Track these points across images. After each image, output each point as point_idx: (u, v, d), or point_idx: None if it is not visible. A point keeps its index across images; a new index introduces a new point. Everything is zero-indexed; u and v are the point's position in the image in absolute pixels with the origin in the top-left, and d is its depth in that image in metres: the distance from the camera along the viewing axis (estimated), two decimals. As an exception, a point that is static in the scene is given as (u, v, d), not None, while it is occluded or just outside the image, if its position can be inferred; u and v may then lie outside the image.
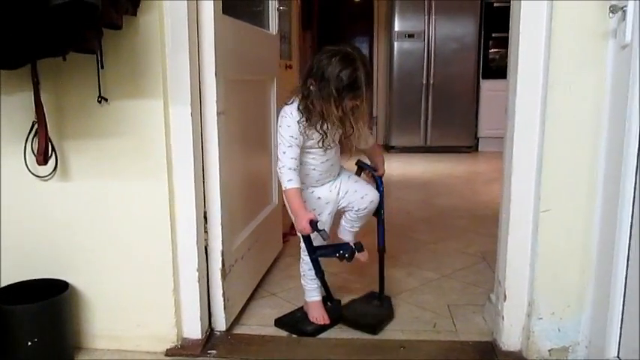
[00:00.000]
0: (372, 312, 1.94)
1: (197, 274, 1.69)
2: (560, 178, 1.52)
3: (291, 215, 1.76)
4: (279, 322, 1.90)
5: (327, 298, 1.95)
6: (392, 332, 1.85)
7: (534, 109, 1.53)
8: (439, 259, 2.58)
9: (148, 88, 1.58)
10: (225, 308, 1.80)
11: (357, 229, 1.93)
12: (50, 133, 1.57)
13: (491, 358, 1.66)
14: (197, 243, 1.68)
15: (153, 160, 1.61)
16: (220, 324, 1.81)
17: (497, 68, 5.81)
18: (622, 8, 1.31)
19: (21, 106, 1.58)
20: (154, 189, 1.63)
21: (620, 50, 1.37)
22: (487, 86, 5.97)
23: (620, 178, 1.34)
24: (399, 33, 5.93)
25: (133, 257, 1.67)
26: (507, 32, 1.64)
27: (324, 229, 1.68)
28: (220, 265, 1.77)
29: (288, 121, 1.68)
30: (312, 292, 1.90)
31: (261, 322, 1.92)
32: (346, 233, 1.93)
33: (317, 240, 1.77)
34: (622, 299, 1.37)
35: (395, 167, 5.16)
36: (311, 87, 1.63)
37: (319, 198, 1.81)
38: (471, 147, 6.17)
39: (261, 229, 2.23)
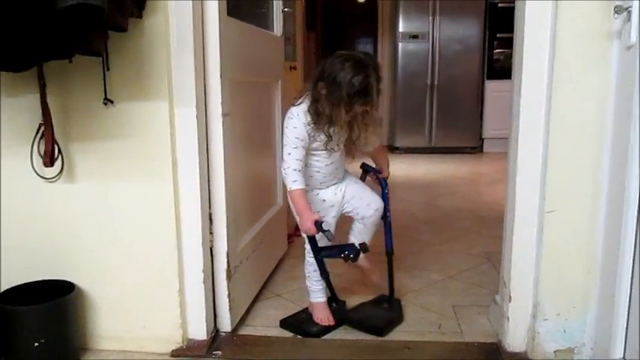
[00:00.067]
0: (379, 314, 1.93)
1: (202, 275, 1.70)
2: (565, 179, 1.52)
3: (295, 216, 1.76)
4: (284, 323, 1.90)
5: (332, 300, 1.95)
6: (397, 333, 1.84)
7: (539, 110, 1.53)
8: (443, 260, 2.57)
9: (153, 89, 1.58)
10: (230, 309, 1.80)
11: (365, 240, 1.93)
12: (56, 135, 1.58)
13: (496, 359, 1.66)
14: (202, 244, 1.69)
15: (158, 162, 1.62)
16: (225, 325, 1.81)
17: (502, 69, 5.79)
18: (627, 9, 1.31)
19: (28, 108, 1.59)
20: (159, 190, 1.64)
21: (625, 51, 1.37)
22: (492, 87, 5.96)
23: (625, 179, 1.34)
24: (403, 34, 5.93)
25: (139, 258, 1.68)
26: (512, 33, 1.64)
27: (328, 230, 1.68)
28: (225, 266, 1.77)
29: (295, 122, 1.69)
30: (317, 294, 1.91)
31: (266, 323, 1.93)
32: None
33: (322, 241, 1.77)
34: (627, 300, 1.36)
35: (399, 168, 5.16)
36: (321, 90, 1.64)
37: (324, 200, 1.82)
38: (475, 148, 6.15)
39: (266, 231, 2.24)
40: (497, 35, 5.88)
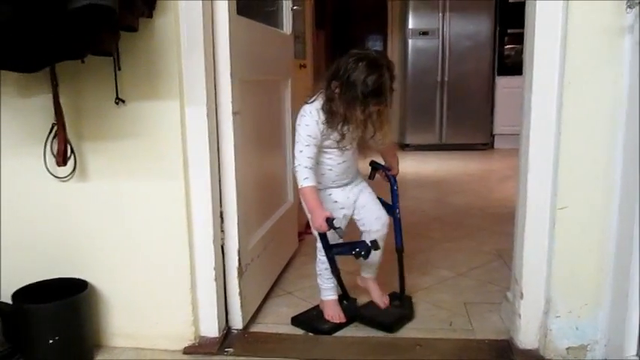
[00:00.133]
0: (389, 311, 1.93)
1: (214, 273, 1.71)
2: (577, 175, 1.51)
3: (307, 213, 1.77)
4: (295, 321, 1.91)
5: (343, 297, 1.95)
6: (408, 331, 1.84)
7: (550, 107, 1.52)
8: (454, 257, 2.57)
9: (164, 89, 1.59)
10: (241, 307, 1.81)
11: (374, 267, 1.95)
12: (69, 135, 1.60)
13: (508, 356, 1.66)
14: (214, 242, 1.70)
15: (169, 161, 1.63)
16: (237, 322, 1.82)
17: (513, 65, 5.75)
18: (639, 3, 1.30)
19: (41, 108, 1.61)
20: (170, 189, 1.65)
21: (637, 46, 1.35)
22: (502, 83, 5.92)
23: (638, 175, 1.33)
24: (413, 30, 5.90)
25: (151, 256, 1.69)
26: (523, 28, 1.62)
27: (340, 227, 1.68)
28: (237, 264, 1.78)
29: (307, 120, 1.69)
30: (328, 291, 1.91)
31: (277, 321, 1.94)
32: (366, 269, 1.97)
33: (333, 238, 1.77)
34: (641, 297, 1.36)
35: (409, 165, 5.14)
36: (335, 90, 1.64)
37: (336, 202, 1.82)
38: (486, 144, 6.12)
39: (277, 228, 2.24)
40: (508, 31, 5.84)
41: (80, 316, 1.64)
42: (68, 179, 1.66)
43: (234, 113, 1.72)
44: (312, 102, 1.72)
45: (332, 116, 1.66)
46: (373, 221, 1.84)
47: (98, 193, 1.68)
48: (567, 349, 1.59)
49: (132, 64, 1.58)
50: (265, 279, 2.12)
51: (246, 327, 1.85)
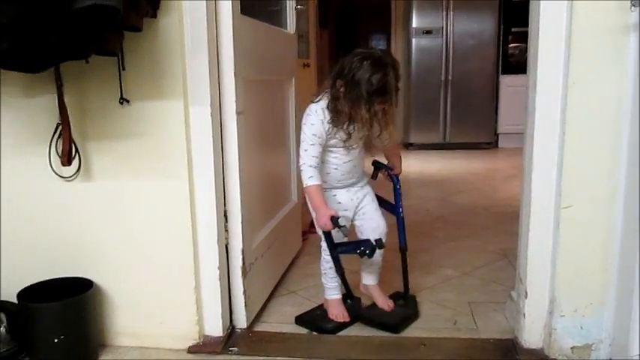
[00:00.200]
0: (394, 312, 1.93)
1: (218, 272, 1.71)
2: (582, 174, 1.50)
3: (311, 212, 1.77)
4: (299, 320, 1.91)
5: (347, 296, 1.95)
6: (412, 330, 1.84)
7: (555, 106, 1.51)
8: (459, 256, 2.56)
9: (168, 88, 1.60)
10: (245, 306, 1.81)
11: (375, 268, 1.94)
12: (73, 135, 1.60)
13: (512, 355, 1.65)
14: (218, 242, 1.70)
15: (173, 160, 1.64)
16: (241, 321, 1.83)
17: (517, 63, 5.74)
18: (644, 2, 1.30)
19: (46, 108, 1.62)
20: (174, 188, 1.65)
21: (642, 44, 1.35)
22: (507, 82, 5.91)
23: (643, 174, 1.33)
24: (416, 29, 5.89)
25: (155, 256, 1.70)
26: (527, 26, 1.62)
27: (344, 225, 1.68)
28: (241, 264, 1.78)
29: (313, 119, 1.69)
30: (332, 290, 1.91)
31: (281, 320, 1.94)
32: (367, 277, 1.97)
33: (337, 237, 1.77)
34: (646, 296, 1.35)
35: (413, 164, 5.14)
36: (340, 89, 1.64)
37: (339, 203, 1.81)
38: (490, 143, 6.11)
39: (281, 228, 2.25)
40: (512, 29, 5.83)
41: (85, 315, 1.65)
42: (73, 179, 1.67)
43: (238, 113, 1.72)
44: (317, 101, 1.72)
45: (337, 115, 1.66)
46: (370, 232, 1.84)
47: (102, 193, 1.68)
48: (572, 348, 1.59)
49: (136, 64, 1.58)
50: (269, 278, 2.12)
51: (250, 326, 1.86)
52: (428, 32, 5.88)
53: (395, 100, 1.64)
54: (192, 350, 1.71)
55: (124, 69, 1.56)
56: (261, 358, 1.69)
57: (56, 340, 1.57)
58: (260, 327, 1.89)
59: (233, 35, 1.67)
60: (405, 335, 1.81)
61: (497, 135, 6.13)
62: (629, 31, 1.40)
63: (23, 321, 1.61)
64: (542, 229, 1.59)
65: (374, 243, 1.73)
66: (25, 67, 1.42)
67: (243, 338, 1.79)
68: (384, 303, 1.93)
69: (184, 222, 1.66)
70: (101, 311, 1.73)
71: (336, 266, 1.82)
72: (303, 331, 1.86)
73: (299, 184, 2.34)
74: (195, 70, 1.60)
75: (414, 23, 5.89)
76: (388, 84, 1.59)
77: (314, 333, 1.85)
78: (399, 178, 1.94)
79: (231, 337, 1.78)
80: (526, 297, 1.63)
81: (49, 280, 1.68)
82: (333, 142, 1.73)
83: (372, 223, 1.85)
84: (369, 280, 1.96)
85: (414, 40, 5.92)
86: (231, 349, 1.72)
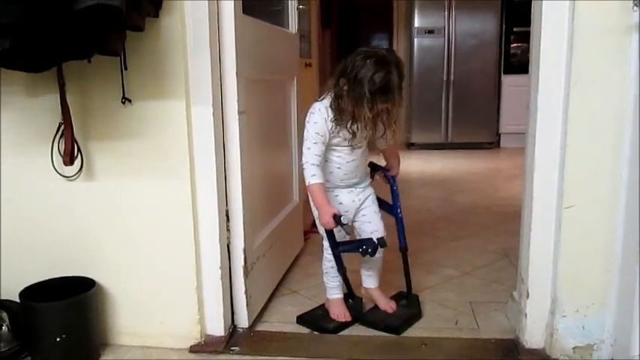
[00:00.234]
0: (396, 313, 1.91)
1: (220, 272, 1.71)
2: (584, 175, 1.50)
3: (313, 212, 1.77)
4: (301, 320, 1.91)
5: (349, 296, 1.95)
6: (413, 330, 1.84)
7: (556, 106, 1.51)
8: (460, 256, 2.56)
9: (170, 88, 1.60)
10: (247, 305, 1.82)
11: (375, 271, 1.95)
12: (76, 134, 1.61)
13: (514, 356, 1.65)
14: (220, 241, 1.70)
15: (175, 160, 1.64)
16: (243, 321, 1.83)
17: (519, 63, 5.73)
18: (646, 2, 1.30)
19: (48, 108, 1.62)
20: (176, 188, 1.65)
21: (645, 44, 1.35)
22: (508, 82, 5.90)
23: (645, 175, 1.32)
24: (418, 29, 5.89)
25: (157, 255, 1.70)
26: (529, 26, 1.62)
27: (347, 223, 1.68)
28: (242, 263, 1.78)
29: (316, 117, 1.69)
30: (333, 290, 1.91)
31: (282, 320, 1.94)
32: (368, 280, 1.97)
33: (339, 235, 1.77)
34: (647, 297, 1.35)
35: (415, 164, 5.14)
36: (343, 87, 1.64)
37: (341, 204, 1.81)
38: (492, 143, 6.11)
39: (283, 227, 2.25)
40: (514, 29, 5.82)
41: (87, 314, 1.65)
42: (75, 178, 1.67)
43: (240, 112, 1.72)
44: (321, 99, 1.72)
45: (340, 113, 1.66)
46: (368, 234, 1.83)
47: (104, 193, 1.69)
48: (573, 348, 1.58)
49: (138, 63, 1.58)
50: (271, 278, 2.12)
51: (251, 326, 1.86)
52: (430, 32, 5.88)
53: (399, 100, 1.63)
54: (193, 350, 1.71)
55: (126, 69, 1.56)
56: (263, 357, 1.69)
57: (58, 340, 1.57)
58: (261, 326, 1.89)
59: (235, 35, 1.67)
60: (406, 335, 1.81)
61: (499, 135, 6.13)
62: (632, 31, 1.40)
63: (25, 320, 1.62)
64: (543, 228, 1.59)
65: (376, 242, 1.73)
66: (27, 66, 1.42)
67: (245, 338, 1.79)
68: (386, 305, 1.93)
69: (186, 221, 1.67)
70: (103, 310, 1.73)
71: (337, 265, 1.82)
72: (305, 330, 1.87)
73: (300, 183, 2.35)
74: (198, 70, 1.60)
75: (417, 23, 5.89)
76: (391, 83, 1.59)
77: (315, 333, 1.85)
78: (396, 179, 1.93)
79: (232, 336, 1.78)
80: (528, 297, 1.63)
81: (50, 280, 1.69)
82: (336, 140, 1.73)
83: (370, 227, 1.85)
84: (369, 283, 1.96)
85: (416, 40, 5.92)
86: (232, 348, 1.72)
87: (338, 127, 1.69)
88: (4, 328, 1.66)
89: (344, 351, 1.72)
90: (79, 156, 1.63)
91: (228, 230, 1.76)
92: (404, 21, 6.48)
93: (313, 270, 2.28)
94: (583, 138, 1.48)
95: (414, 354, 1.69)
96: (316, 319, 1.90)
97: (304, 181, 1.71)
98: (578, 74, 1.45)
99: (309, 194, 1.73)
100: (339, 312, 1.89)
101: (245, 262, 1.79)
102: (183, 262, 1.69)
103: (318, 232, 1.88)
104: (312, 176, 1.67)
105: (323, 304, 1.97)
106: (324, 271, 1.91)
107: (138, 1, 1.40)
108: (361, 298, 2.00)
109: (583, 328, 1.57)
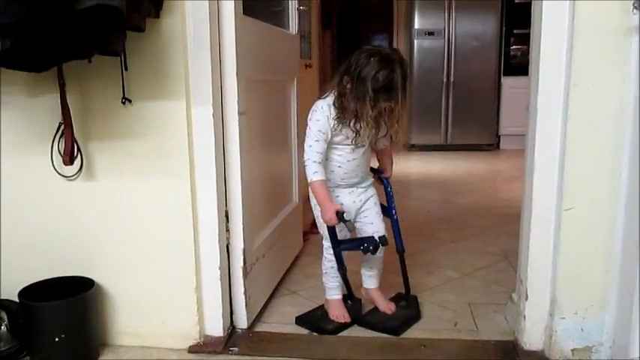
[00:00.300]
0: (395, 314, 1.91)
1: (219, 272, 1.71)
2: (583, 176, 1.50)
3: (314, 210, 1.77)
4: (300, 320, 1.91)
5: (348, 297, 1.95)
6: (413, 331, 1.84)
7: (556, 107, 1.51)
8: (460, 257, 2.56)
9: (171, 88, 1.60)
10: (246, 306, 1.82)
11: (376, 272, 1.95)
12: (76, 134, 1.61)
13: (513, 357, 1.65)
14: (219, 242, 1.70)
15: (175, 160, 1.64)
16: (242, 321, 1.83)
17: (519, 65, 5.73)
18: (646, 4, 1.30)
19: (48, 107, 1.62)
20: (176, 188, 1.65)
21: (644, 47, 1.35)
22: (508, 83, 5.90)
23: (645, 176, 1.33)
24: (418, 31, 5.89)
25: (156, 255, 1.70)
26: (529, 28, 1.62)
27: (349, 220, 1.68)
28: (242, 264, 1.78)
29: (318, 115, 1.69)
30: (333, 291, 1.91)
31: (281, 320, 1.94)
32: (368, 281, 1.97)
33: (340, 234, 1.78)
34: (647, 299, 1.35)
35: (415, 166, 5.14)
36: (347, 85, 1.64)
37: (342, 204, 1.80)
38: (492, 145, 6.11)
39: (282, 228, 2.25)
40: (514, 31, 5.82)
41: (86, 314, 1.65)
42: (75, 178, 1.67)
43: (240, 113, 1.73)
44: (324, 97, 1.72)
45: (343, 112, 1.66)
46: (368, 235, 1.83)
47: (104, 192, 1.69)
48: (572, 350, 1.58)
49: (139, 64, 1.58)
50: (270, 278, 2.12)
51: (250, 326, 1.86)
52: (430, 33, 5.87)
53: (403, 99, 1.62)
54: (192, 350, 1.71)
55: (126, 69, 1.57)
56: (262, 358, 1.69)
57: (57, 339, 1.57)
58: (261, 327, 1.89)
59: (235, 36, 1.67)
60: (405, 336, 1.81)
61: (498, 136, 6.13)
62: (632, 32, 1.40)
63: (24, 320, 1.62)
64: (543, 230, 1.59)
65: (377, 240, 1.73)
66: (28, 66, 1.42)
67: (244, 338, 1.79)
68: (386, 306, 1.93)
69: (186, 222, 1.67)
70: (102, 310, 1.73)
71: (338, 264, 1.82)
72: (304, 331, 1.87)
73: (300, 184, 2.35)
74: (198, 71, 1.60)
75: (417, 24, 5.88)
76: (394, 81, 1.58)
77: (314, 333, 1.85)
78: (390, 181, 1.93)
79: (231, 337, 1.78)
80: (527, 299, 1.63)
81: (50, 279, 1.69)
82: (338, 139, 1.72)
83: (372, 227, 1.85)
84: (370, 283, 1.96)
85: (416, 42, 5.91)
86: (231, 349, 1.72)
87: (340, 125, 1.68)
88: (3, 327, 1.66)
89: (343, 352, 1.72)
90: (79, 156, 1.64)
91: (227, 231, 1.76)
92: (404, 22, 6.49)
93: (312, 271, 2.28)
94: (583, 139, 1.48)
95: (413, 355, 1.69)
96: (315, 319, 1.90)
97: (304, 181, 1.71)
98: (578, 75, 1.45)
99: (310, 192, 1.73)
100: (339, 313, 1.89)
101: (244, 262, 1.79)
102: (182, 263, 1.69)
103: (317, 233, 1.87)
104: (314, 173, 1.67)
105: (322, 305, 1.97)
106: (324, 271, 1.91)
107: (138, 2, 1.40)
108: (360, 300, 2.00)
109: (582, 330, 1.57)
